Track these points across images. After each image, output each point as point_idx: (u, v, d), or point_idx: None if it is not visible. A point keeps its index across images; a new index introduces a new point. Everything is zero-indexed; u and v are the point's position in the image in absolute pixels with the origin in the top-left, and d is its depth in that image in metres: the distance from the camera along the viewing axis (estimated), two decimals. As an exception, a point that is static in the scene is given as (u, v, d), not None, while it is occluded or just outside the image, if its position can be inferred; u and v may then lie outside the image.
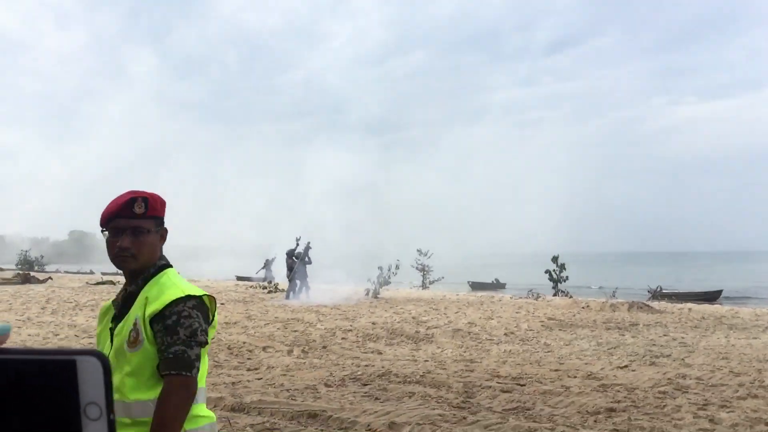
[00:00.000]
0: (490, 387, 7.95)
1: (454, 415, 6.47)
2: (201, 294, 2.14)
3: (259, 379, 8.61)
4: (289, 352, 10.96)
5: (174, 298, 2.07)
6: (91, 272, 54.67)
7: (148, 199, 2.17)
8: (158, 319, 2.04)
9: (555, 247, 41.62)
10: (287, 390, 7.77)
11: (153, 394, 2.03)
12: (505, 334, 13.58)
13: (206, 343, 2.09)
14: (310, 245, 23.98)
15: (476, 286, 43.68)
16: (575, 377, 8.76)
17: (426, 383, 8.13)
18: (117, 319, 2.16)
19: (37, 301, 20.56)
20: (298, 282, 23.21)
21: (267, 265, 33.86)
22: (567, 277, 30.18)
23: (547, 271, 30.60)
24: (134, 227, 2.14)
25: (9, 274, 35.24)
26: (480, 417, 6.47)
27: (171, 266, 2.28)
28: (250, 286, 29.62)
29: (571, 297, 24.76)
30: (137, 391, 2.03)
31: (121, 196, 2.17)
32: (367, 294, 23.26)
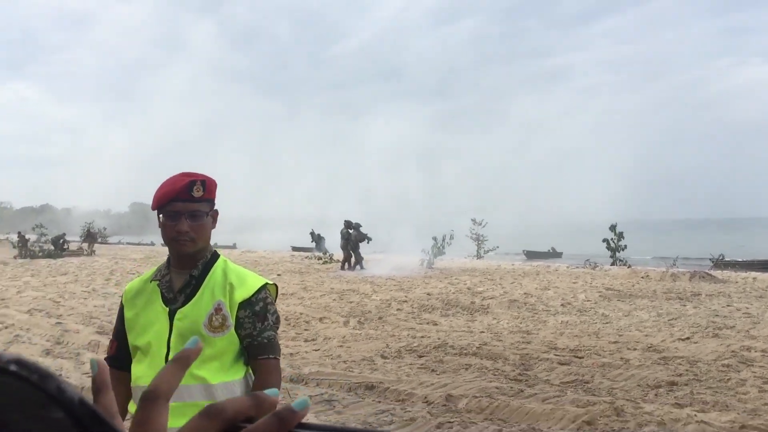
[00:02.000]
0: (548, 359, 7.88)
1: (511, 387, 6.44)
2: (269, 282, 2.22)
3: (316, 350, 8.73)
4: (345, 323, 11.07)
5: (259, 285, 2.16)
6: (152, 243, 56.22)
7: (206, 181, 2.14)
8: (246, 305, 2.11)
9: (614, 215, 40.85)
10: (344, 361, 7.86)
11: (235, 376, 2.11)
12: (562, 304, 13.42)
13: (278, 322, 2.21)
14: (359, 225, 23.94)
15: (532, 255, 43.26)
16: (635, 349, 8.60)
17: (482, 355, 8.10)
18: (172, 302, 2.14)
19: (102, 272, 21.26)
20: (352, 254, 23.33)
21: (316, 239, 34.39)
22: (625, 245, 29.52)
23: (604, 240, 29.97)
24: (192, 211, 2.12)
25: (74, 246, 36.34)
26: (537, 390, 6.42)
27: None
28: (306, 257, 29.98)
29: (629, 266, 24.26)
30: (221, 374, 2.08)
31: (178, 178, 2.13)
32: (422, 264, 23.28)
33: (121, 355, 2.23)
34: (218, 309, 2.09)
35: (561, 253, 46.52)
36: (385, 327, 10.67)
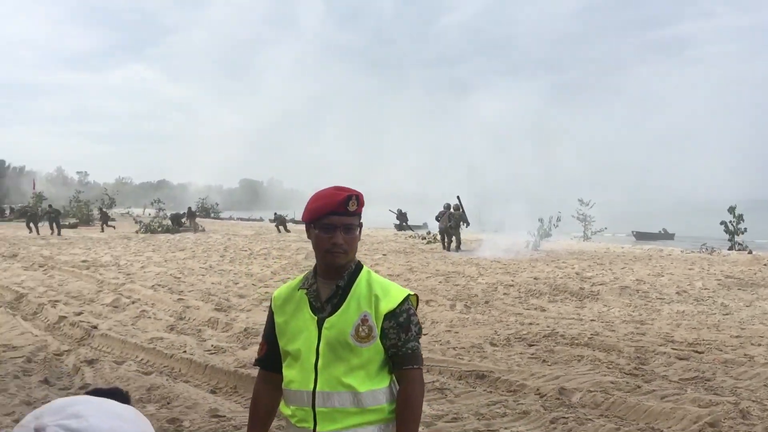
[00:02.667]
0: (665, 353, 7.61)
1: (627, 383, 6.27)
2: (411, 293, 2.28)
3: (425, 334, 8.80)
4: (452, 306, 11.09)
5: (403, 296, 2.22)
6: (261, 219, 58.17)
7: (360, 197, 2.22)
8: (390, 316, 2.17)
9: (733, 194, 38.74)
10: (453, 348, 7.89)
11: (380, 384, 2.19)
12: (677, 292, 12.89)
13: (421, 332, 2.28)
14: (459, 204, 23.79)
15: (641, 237, 41.71)
16: (760, 345, 8.17)
17: (594, 346, 7.93)
18: (320, 311, 2.22)
19: (216, 249, 22.21)
20: (454, 236, 23.31)
21: (401, 217, 35.45)
22: (745, 229, 27.81)
23: (722, 223, 28.33)
24: (347, 224, 2.20)
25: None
26: (655, 386, 6.23)
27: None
28: (410, 236, 30.16)
29: (750, 252, 22.94)
30: (368, 382, 2.16)
31: (334, 192, 2.22)
32: (527, 246, 22.94)
33: (270, 357, 2.34)
34: (364, 320, 2.16)
35: (673, 235, 44.59)
36: (492, 312, 10.62)
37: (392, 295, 2.21)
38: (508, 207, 27.79)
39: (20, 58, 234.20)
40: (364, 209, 2.23)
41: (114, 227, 36.71)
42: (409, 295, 2.24)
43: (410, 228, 36.33)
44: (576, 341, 8.20)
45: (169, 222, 35.51)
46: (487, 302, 11.49)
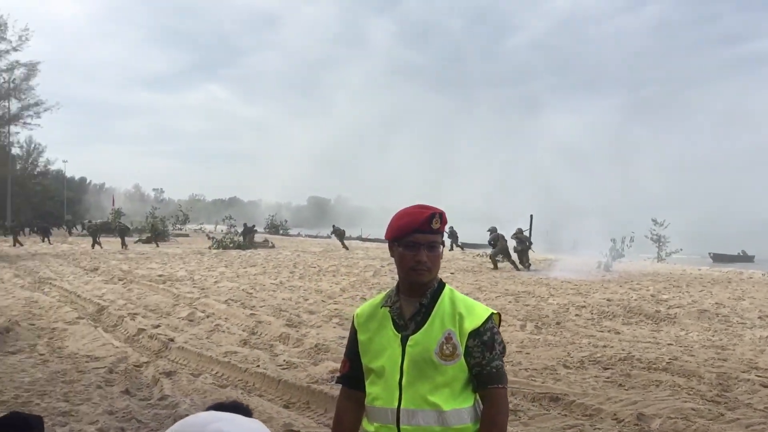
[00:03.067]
0: (748, 380, 7.30)
1: (709, 410, 6.04)
2: (495, 312, 2.26)
3: (495, 354, 8.69)
4: (522, 327, 10.95)
5: (487, 315, 2.20)
6: (328, 236, 58.78)
7: (443, 214, 2.24)
8: (475, 335, 2.15)
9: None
10: (525, 369, 7.77)
11: (465, 403, 2.17)
12: (760, 317, 12.36)
13: (505, 352, 2.24)
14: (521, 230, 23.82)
15: (719, 259, 40.19)
16: None
17: (673, 371, 7.67)
18: (403, 328, 2.22)
19: (286, 265, 22.57)
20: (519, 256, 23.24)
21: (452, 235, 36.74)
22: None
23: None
24: (430, 242, 2.21)
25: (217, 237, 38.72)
26: (739, 414, 5.97)
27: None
28: (477, 255, 29.94)
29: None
30: (453, 401, 2.15)
31: (418, 210, 2.24)
32: (599, 267, 22.44)
33: (353, 374, 2.35)
34: (448, 338, 2.15)
35: (753, 257, 42.83)
36: (563, 333, 10.42)
37: (477, 313, 2.19)
38: (580, 226, 27.29)
39: (103, 79, 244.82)
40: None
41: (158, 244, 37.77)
42: (492, 313, 2.22)
43: (460, 247, 37.43)
44: (653, 365, 7.95)
45: (241, 238, 36.30)
46: (558, 323, 11.29)
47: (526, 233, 24.20)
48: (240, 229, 38.97)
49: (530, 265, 23.09)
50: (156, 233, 39.76)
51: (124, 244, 34.39)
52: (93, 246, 33.73)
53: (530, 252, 23.69)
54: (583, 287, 16.84)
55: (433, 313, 2.19)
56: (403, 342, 2.19)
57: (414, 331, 2.19)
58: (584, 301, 13.98)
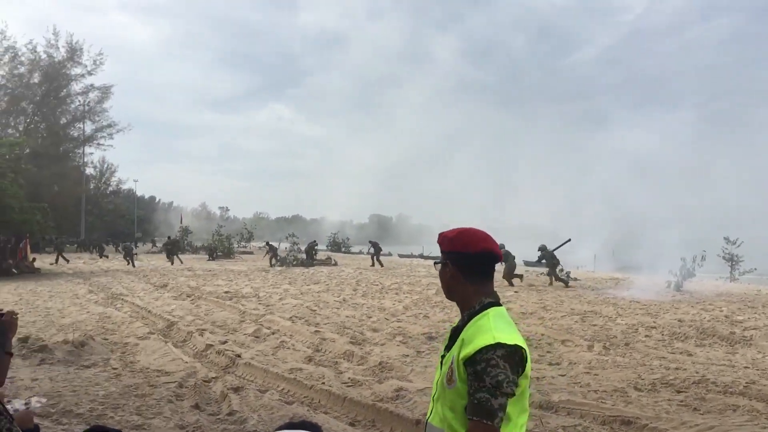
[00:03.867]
0: (834, 407, 6.95)
1: (792, 437, 5.78)
2: (513, 342, 2.07)
3: (562, 375, 8.53)
4: (590, 347, 10.70)
5: (484, 345, 2.05)
6: (390, 254, 58.87)
7: (441, 235, 2.37)
8: (469, 363, 2.07)
9: None
10: (594, 390, 7.59)
11: (463, 429, 2.12)
12: (844, 341, 11.75)
13: (512, 394, 2.03)
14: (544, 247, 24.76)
15: (797, 279, 38.45)
16: None
17: (751, 395, 7.36)
18: (448, 348, 2.30)
19: (349, 282, 22.69)
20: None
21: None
22: None
23: None
24: (440, 260, 2.37)
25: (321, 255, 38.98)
26: (825, 443, 5.69)
27: (496, 305, 2.27)
28: (541, 273, 29.49)
29: None
30: (459, 425, 2.13)
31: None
32: (669, 287, 21.78)
33: None
34: (451, 362, 2.17)
35: (836, 278, 40.82)
36: (633, 354, 10.14)
37: (475, 341, 2.09)
38: (649, 245, 26.59)
39: (172, 101, 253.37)
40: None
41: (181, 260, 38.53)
42: (499, 343, 2.06)
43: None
44: (730, 389, 7.66)
45: (304, 256, 36.72)
46: (627, 344, 10.99)
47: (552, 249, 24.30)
48: (303, 247, 39.43)
49: (567, 280, 23.41)
50: (214, 252, 41.03)
51: (178, 260, 35.96)
52: (172, 262, 35.39)
53: (558, 269, 23.90)
54: (653, 307, 16.36)
55: (460, 335, 2.22)
56: (441, 360, 2.31)
57: (446, 351, 2.29)
58: (654, 322, 13.57)
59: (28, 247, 33.03)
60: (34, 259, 32.35)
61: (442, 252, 2.35)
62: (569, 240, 27.11)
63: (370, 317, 13.68)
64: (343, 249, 64.82)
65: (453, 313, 14.44)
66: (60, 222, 45.31)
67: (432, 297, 17.95)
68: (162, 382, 7.91)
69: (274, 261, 35.42)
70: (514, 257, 23.80)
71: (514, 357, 2.05)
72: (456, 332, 2.27)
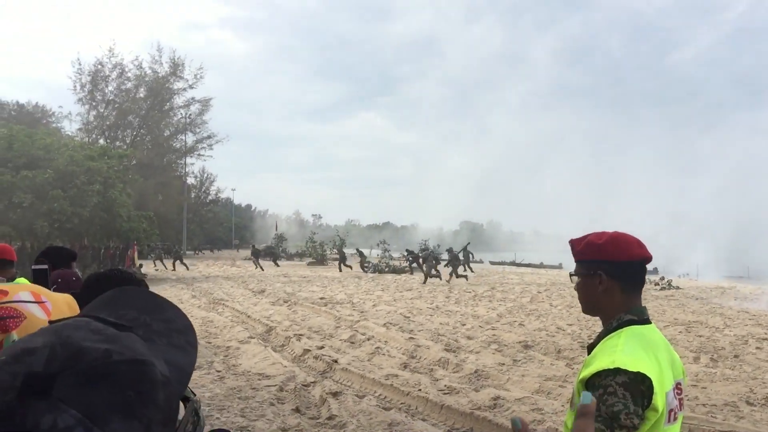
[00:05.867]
0: None
1: None
2: (636, 369, 1.81)
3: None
4: (696, 359, 10.27)
5: (602, 368, 1.84)
6: (481, 261, 58.34)
7: (573, 242, 2.14)
8: (588, 386, 1.87)
9: None
10: (703, 404, 7.27)
11: None
12: None
13: (633, 427, 1.78)
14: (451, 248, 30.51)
15: None
16: None
17: None
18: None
19: (441, 290, 22.64)
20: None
21: None
22: None
23: None
24: (575, 270, 2.13)
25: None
26: None
27: (640, 323, 2.02)
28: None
29: None
30: None
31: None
32: (781, 296, 20.58)
33: None
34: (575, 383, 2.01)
35: None
36: (743, 368, 9.64)
37: (595, 363, 1.89)
38: (760, 252, 25.27)
39: (269, 113, 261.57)
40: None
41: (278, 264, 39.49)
42: (619, 369, 1.82)
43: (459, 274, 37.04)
44: None
45: (408, 261, 36.72)
46: (736, 356, 10.47)
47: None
48: (403, 254, 39.76)
49: (463, 276, 27.63)
50: (319, 258, 41.57)
51: (257, 265, 37.55)
52: (277, 264, 36.91)
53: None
54: (764, 318, 15.51)
55: (591, 354, 2.03)
56: None
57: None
58: (766, 333, 12.87)
59: (136, 253, 34.76)
60: (141, 266, 34.02)
61: (584, 261, 2.07)
62: (468, 243, 36.10)
63: (464, 324, 13.61)
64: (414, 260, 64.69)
65: (548, 321, 14.17)
66: (163, 230, 47.40)
67: (526, 305, 17.67)
68: (263, 385, 8.14)
69: (366, 267, 35.72)
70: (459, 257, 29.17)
71: (638, 386, 1.81)
72: (590, 350, 2.06)
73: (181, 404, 0.72)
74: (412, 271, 34.13)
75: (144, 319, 0.77)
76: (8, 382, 0.60)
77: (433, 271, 26.37)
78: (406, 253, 36.95)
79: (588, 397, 0.64)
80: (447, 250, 31.58)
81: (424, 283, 25.75)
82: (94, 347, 0.64)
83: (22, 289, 1.26)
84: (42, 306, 1.25)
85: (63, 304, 1.30)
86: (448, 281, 26.52)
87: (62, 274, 3.06)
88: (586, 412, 0.60)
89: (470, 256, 36.74)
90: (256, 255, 39.09)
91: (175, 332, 0.79)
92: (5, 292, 1.24)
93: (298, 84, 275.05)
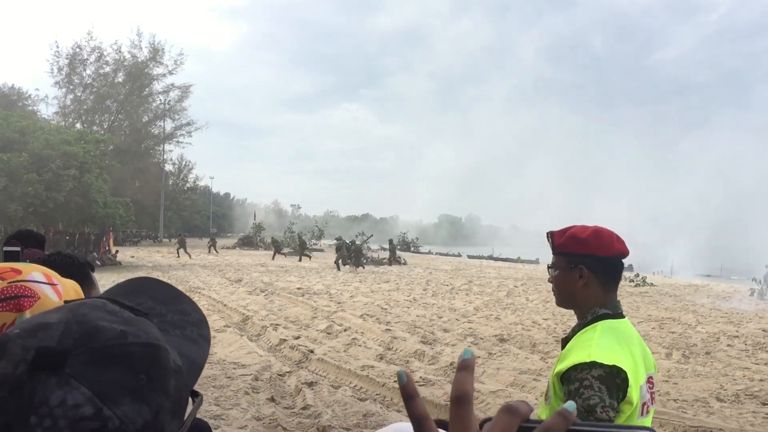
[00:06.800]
0: None
1: None
2: (612, 363, 1.81)
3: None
4: (668, 355, 10.40)
5: (578, 362, 1.83)
6: (459, 254, 58.62)
7: (553, 234, 2.11)
8: (564, 380, 1.87)
9: None
10: (675, 400, 7.37)
11: None
12: None
13: (609, 420, 1.77)
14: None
15: None
16: None
17: None
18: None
19: (419, 282, 22.71)
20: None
21: None
22: None
23: None
24: (551, 262, 2.13)
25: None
26: None
27: (614, 317, 2.02)
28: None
29: None
30: None
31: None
32: (752, 295, 20.91)
33: None
34: (549, 377, 2.01)
35: None
36: (713, 364, 9.78)
37: (571, 357, 1.88)
38: (732, 252, 25.65)
39: (250, 102, 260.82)
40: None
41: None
42: (595, 362, 1.81)
43: (398, 261, 37.04)
44: (820, 404, 7.30)
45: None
46: (708, 353, 10.62)
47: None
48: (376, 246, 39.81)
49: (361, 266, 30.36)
50: (304, 248, 40.65)
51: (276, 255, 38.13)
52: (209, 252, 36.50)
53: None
54: (735, 316, 15.75)
55: (566, 347, 2.02)
56: None
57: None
58: (737, 331, 13.07)
59: (111, 240, 34.41)
60: (116, 252, 33.68)
61: (564, 253, 2.06)
62: (371, 236, 37.72)
63: (441, 317, 13.66)
64: (412, 249, 64.91)
65: (524, 315, 14.27)
66: (140, 216, 47.00)
67: (503, 299, 17.78)
68: (239, 374, 8.11)
69: (346, 260, 35.37)
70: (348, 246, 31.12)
71: (613, 379, 1.80)
72: (564, 343, 2.06)
73: (190, 399, 0.71)
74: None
75: (160, 309, 0.77)
76: (20, 356, 0.58)
77: (342, 261, 30.10)
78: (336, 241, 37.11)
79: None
80: (389, 241, 37.62)
81: (338, 270, 28.72)
82: (110, 327, 0.63)
83: (34, 269, 1.24)
84: (54, 288, 1.23)
85: (71, 289, 1.28)
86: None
87: (28, 254, 3.01)
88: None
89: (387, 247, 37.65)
90: (182, 244, 38.68)
91: (189, 324, 0.79)
92: (19, 271, 1.22)
93: (281, 74, 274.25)
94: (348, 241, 32.75)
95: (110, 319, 0.64)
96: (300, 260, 35.65)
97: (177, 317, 0.78)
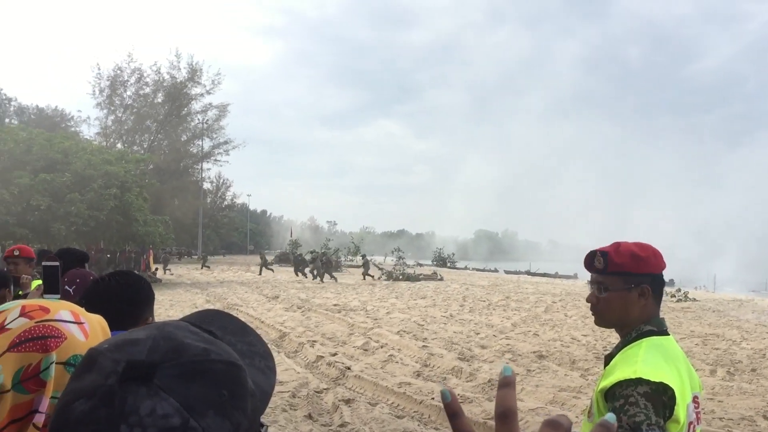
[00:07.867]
0: None
1: None
2: (658, 380, 1.77)
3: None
4: (712, 372, 10.15)
5: (623, 378, 1.80)
6: (495, 270, 58.17)
7: (608, 253, 2.03)
8: (609, 397, 1.84)
9: None
10: (720, 418, 7.18)
11: None
12: None
13: None
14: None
15: None
16: None
17: None
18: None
19: (455, 298, 22.59)
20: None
21: None
22: None
23: None
24: (598, 282, 2.06)
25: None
26: None
27: (659, 334, 1.99)
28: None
29: None
30: None
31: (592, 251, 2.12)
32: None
33: None
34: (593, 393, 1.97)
35: None
36: (760, 381, 9.53)
37: (616, 373, 1.85)
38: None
39: (285, 118, 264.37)
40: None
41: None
42: (641, 379, 1.77)
43: (371, 276, 35.92)
44: None
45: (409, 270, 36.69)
46: (754, 370, 10.34)
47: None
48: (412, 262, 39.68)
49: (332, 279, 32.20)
50: (330, 267, 40.66)
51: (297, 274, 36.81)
52: (298, 275, 35.06)
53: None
54: (782, 331, 15.33)
55: (609, 365, 1.99)
56: None
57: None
58: (784, 347, 12.71)
59: (152, 257, 34.96)
60: (156, 270, 34.22)
61: (621, 273, 1.99)
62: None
63: (478, 333, 13.55)
64: (448, 264, 64.66)
65: (563, 331, 14.08)
66: (179, 234, 47.70)
67: (541, 315, 17.58)
68: (276, 391, 8.13)
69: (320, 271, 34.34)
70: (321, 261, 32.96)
71: (660, 396, 1.76)
72: (608, 360, 2.03)
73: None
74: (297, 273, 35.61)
75: (229, 339, 0.80)
76: (110, 368, 0.62)
77: (309, 272, 32.96)
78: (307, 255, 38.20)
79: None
80: (362, 256, 39.88)
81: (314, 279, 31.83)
82: (195, 344, 0.66)
83: (63, 307, 1.26)
84: (80, 327, 1.25)
85: (97, 326, 1.30)
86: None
87: (80, 273, 3.07)
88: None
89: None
90: (264, 261, 38.65)
91: (257, 355, 0.82)
92: (47, 309, 1.23)
93: (316, 90, 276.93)
94: (320, 252, 36.57)
95: (194, 338, 0.68)
96: (321, 280, 33.20)
97: (245, 348, 0.81)
